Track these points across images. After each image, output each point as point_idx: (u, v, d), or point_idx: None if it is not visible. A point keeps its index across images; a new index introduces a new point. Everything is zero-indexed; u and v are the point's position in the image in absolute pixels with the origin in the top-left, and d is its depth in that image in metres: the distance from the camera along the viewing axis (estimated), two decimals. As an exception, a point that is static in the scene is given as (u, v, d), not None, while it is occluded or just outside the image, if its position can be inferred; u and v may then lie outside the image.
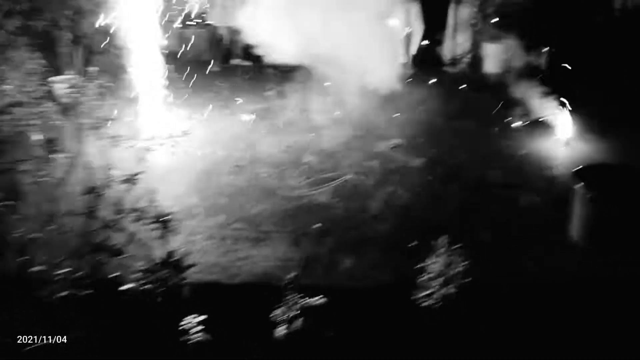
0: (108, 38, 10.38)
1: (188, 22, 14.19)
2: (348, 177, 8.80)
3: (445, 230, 6.01)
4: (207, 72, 13.10)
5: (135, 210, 6.26)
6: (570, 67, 9.31)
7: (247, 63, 14.90)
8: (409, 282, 5.82)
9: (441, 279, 5.70)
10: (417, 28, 14.33)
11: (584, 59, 9.76)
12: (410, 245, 6.57)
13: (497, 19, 14.15)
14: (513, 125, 10.32)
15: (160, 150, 7.20)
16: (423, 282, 5.79)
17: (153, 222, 6.18)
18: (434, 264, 5.75)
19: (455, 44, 14.30)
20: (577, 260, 6.62)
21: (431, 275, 5.74)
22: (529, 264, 6.72)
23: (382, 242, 7.29)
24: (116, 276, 5.90)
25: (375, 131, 10.76)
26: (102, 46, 10.75)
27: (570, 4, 11.80)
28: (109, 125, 8.52)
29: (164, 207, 6.48)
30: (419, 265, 5.81)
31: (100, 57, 10.86)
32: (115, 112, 9.51)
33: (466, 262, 5.71)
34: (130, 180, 6.52)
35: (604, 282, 6.23)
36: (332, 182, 8.64)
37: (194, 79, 12.85)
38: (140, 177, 6.83)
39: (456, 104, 12.05)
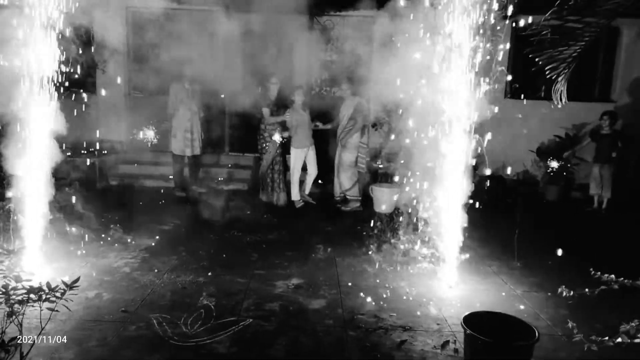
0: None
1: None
2: (247, 322, 8.48)
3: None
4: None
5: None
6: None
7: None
8: None
9: None
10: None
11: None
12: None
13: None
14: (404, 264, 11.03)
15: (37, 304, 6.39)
16: None
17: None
18: None
19: (339, 182, 15.48)
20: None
21: None
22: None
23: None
24: None
25: (274, 269, 10.77)
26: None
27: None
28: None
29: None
30: None
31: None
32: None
33: None
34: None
35: None
36: (231, 329, 8.24)
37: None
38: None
39: (352, 240, 12.69)
